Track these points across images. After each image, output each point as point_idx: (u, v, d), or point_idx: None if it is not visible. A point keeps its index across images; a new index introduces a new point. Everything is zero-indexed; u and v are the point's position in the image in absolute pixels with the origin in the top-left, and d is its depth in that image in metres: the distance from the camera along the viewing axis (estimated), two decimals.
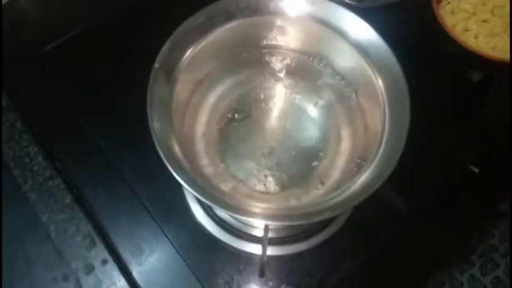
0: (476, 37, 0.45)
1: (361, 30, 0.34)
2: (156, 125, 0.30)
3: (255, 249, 0.39)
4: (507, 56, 0.43)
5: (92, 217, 0.41)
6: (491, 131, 0.45)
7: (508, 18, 0.46)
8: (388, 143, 0.31)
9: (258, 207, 0.29)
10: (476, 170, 0.42)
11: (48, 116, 0.46)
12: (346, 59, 0.37)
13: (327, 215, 0.28)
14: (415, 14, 0.52)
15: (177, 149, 0.30)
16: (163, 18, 0.49)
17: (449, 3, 0.47)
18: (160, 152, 0.29)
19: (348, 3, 0.51)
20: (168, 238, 0.40)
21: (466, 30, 0.46)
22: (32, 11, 0.52)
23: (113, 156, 0.43)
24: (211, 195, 0.28)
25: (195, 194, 0.28)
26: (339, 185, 0.34)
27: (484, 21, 0.46)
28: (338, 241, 0.40)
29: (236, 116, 0.40)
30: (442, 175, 0.43)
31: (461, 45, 0.43)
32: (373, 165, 0.31)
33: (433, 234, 0.41)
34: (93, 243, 0.40)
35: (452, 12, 0.47)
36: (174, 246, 0.39)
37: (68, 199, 0.42)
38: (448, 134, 0.44)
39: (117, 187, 0.42)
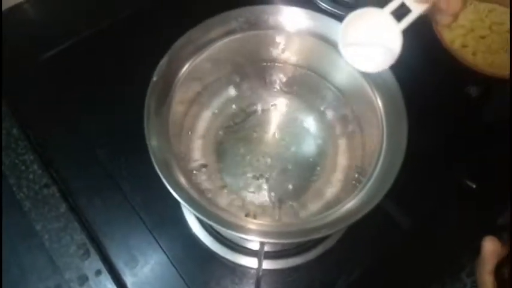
0: (474, 53, 0.45)
1: None
2: (153, 143, 0.29)
3: (251, 262, 0.39)
4: (505, 72, 0.43)
5: (86, 226, 0.40)
6: (489, 147, 0.45)
7: (506, 35, 0.46)
8: (386, 159, 0.31)
9: (254, 223, 0.28)
10: (474, 186, 0.42)
11: (45, 123, 0.45)
12: (344, 75, 0.37)
13: (324, 232, 0.28)
14: (413, 29, 0.52)
15: (174, 165, 0.30)
16: (162, 29, 0.49)
17: None
18: (158, 171, 0.28)
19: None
20: (163, 249, 0.39)
21: (464, 46, 0.46)
22: (30, 20, 0.52)
23: (109, 166, 0.43)
24: (210, 213, 0.28)
25: (195, 212, 0.28)
26: (336, 201, 0.34)
27: (482, 37, 0.46)
28: (335, 255, 0.39)
29: (234, 129, 0.40)
30: (439, 191, 0.43)
31: (460, 61, 0.43)
32: (371, 182, 0.31)
33: (430, 250, 0.40)
34: (87, 254, 0.39)
35: (450, 28, 0.47)
36: (168, 257, 0.39)
37: (63, 208, 0.41)
38: (446, 149, 0.45)
39: (112, 197, 0.41)
